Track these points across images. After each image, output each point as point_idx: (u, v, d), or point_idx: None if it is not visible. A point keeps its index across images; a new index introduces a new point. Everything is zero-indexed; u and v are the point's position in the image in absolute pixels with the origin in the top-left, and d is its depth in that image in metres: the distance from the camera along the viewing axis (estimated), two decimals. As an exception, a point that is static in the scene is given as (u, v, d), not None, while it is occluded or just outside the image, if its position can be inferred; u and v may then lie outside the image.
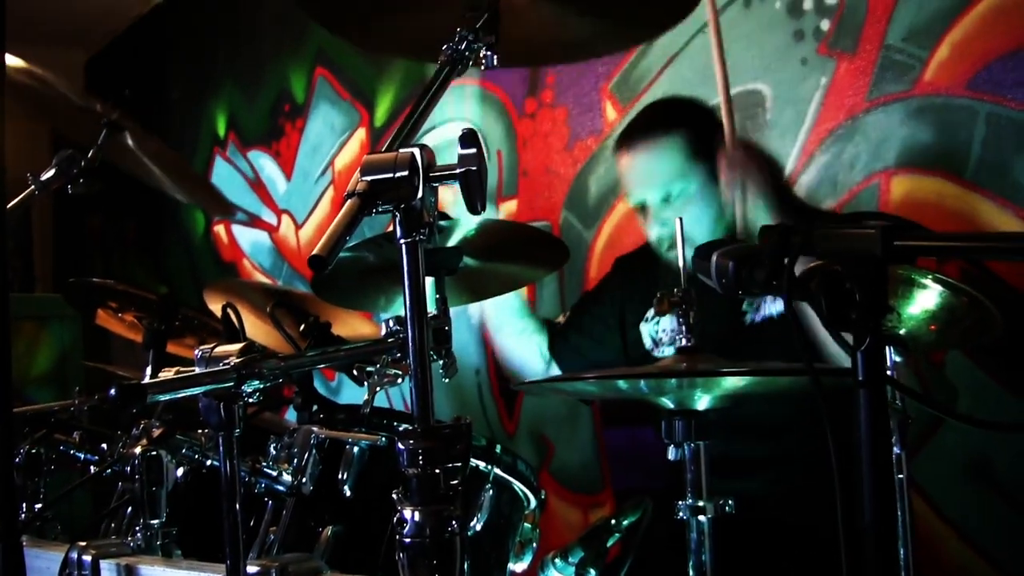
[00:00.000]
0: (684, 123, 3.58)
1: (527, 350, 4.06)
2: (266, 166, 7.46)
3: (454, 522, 1.80)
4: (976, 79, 3.53)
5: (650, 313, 3.70)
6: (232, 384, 1.93)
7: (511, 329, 4.08)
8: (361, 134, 6.51)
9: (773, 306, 3.40)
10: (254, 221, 7.56)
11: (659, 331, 3.66)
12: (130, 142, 3.53)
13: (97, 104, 3.46)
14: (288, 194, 7.24)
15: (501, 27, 2.33)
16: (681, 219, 2.72)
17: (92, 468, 3.15)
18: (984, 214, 3.48)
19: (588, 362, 3.90)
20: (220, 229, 8.01)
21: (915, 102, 3.70)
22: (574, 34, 2.67)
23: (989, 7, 3.51)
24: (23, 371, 6.23)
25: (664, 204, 3.51)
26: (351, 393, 5.48)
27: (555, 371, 3.99)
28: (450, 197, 2.28)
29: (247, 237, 7.70)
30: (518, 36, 2.49)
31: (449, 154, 1.84)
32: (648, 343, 3.70)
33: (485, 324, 4.16)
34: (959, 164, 3.57)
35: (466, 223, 2.64)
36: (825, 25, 3.98)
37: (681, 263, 2.63)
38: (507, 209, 5.37)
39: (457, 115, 5.67)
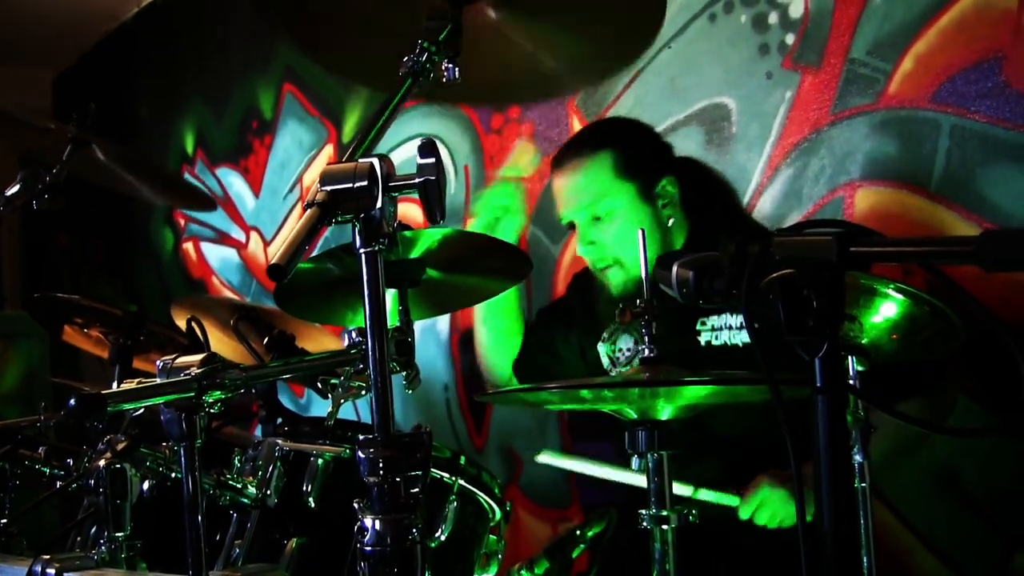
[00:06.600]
0: (612, 142, 3.58)
1: (503, 357, 4.06)
2: (234, 183, 7.45)
3: (415, 530, 1.81)
4: (940, 92, 3.54)
5: (606, 333, 3.69)
6: (193, 394, 1.93)
7: (497, 333, 4.07)
8: (329, 150, 6.51)
9: (738, 336, 3.40)
10: (223, 238, 7.55)
11: (616, 351, 3.65)
12: (99, 155, 3.53)
13: (60, 124, 3.46)
14: (256, 211, 7.24)
15: (465, 61, 2.33)
16: (643, 231, 2.72)
17: (58, 483, 3.14)
18: (949, 226, 3.49)
19: (548, 377, 3.88)
20: (189, 246, 8.00)
21: (879, 115, 3.71)
22: (540, 70, 2.68)
23: (952, 20, 3.52)
24: (-11, 388, 6.23)
25: (592, 223, 3.52)
26: (321, 409, 5.48)
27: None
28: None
29: (216, 254, 7.69)
30: (483, 75, 2.51)
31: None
32: (606, 363, 3.68)
33: (475, 326, 4.13)
34: (924, 177, 3.58)
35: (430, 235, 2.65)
36: (790, 39, 4.00)
37: (643, 274, 2.63)
38: (475, 224, 5.37)
39: (423, 131, 5.68)
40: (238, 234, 7.41)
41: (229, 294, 7.46)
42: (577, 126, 4.86)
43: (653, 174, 3.54)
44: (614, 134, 3.70)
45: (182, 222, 8.15)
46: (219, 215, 7.53)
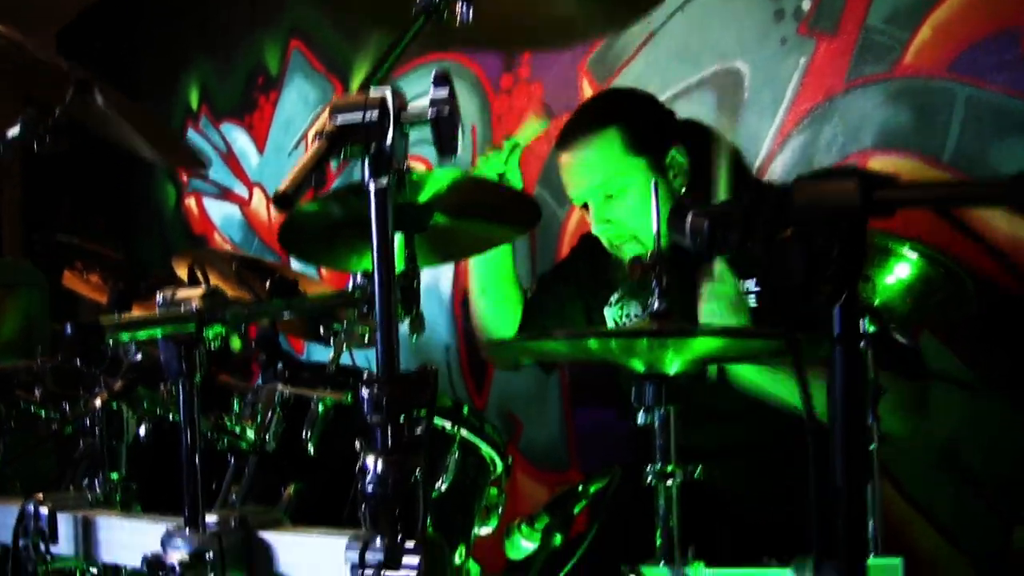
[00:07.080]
0: (618, 118, 3.50)
1: (504, 318, 4.00)
2: (239, 139, 7.41)
3: (417, 472, 1.77)
4: (957, 62, 3.52)
5: (614, 297, 3.65)
6: (193, 328, 1.89)
7: (497, 302, 4.01)
8: (335, 107, 6.46)
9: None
10: (225, 194, 7.51)
11: (623, 315, 3.61)
12: (99, 100, 3.49)
13: (66, 64, 3.42)
14: (260, 167, 7.19)
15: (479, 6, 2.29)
16: (656, 183, 2.68)
17: (54, 427, 3.11)
18: (960, 198, 3.46)
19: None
20: (191, 202, 7.95)
21: (894, 84, 3.68)
22: (553, 14, 2.64)
23: (972, -11, 3.50)
24: (-12, 337, 6.19)
25: (606, 202, 3.46)
26: (321, 359, 5.46)
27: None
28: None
29: (218, 211, 7.64)
30: (496, 14, 2.47)
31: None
32: (612, 327, 3.64)
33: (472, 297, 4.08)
34: (937, 147, 3.56)
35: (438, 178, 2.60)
36: (806, 5, 3.97)
37: (654, 228, 2.58)
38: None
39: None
40: (241, 190, 7.37)
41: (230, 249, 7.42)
42: (588, 88, 4.82)
43: (662, 146, 3.49)
44: (619, 109, 3.60)
45: (185, 178, 8.10)
46: (222, 171, 7.49)
